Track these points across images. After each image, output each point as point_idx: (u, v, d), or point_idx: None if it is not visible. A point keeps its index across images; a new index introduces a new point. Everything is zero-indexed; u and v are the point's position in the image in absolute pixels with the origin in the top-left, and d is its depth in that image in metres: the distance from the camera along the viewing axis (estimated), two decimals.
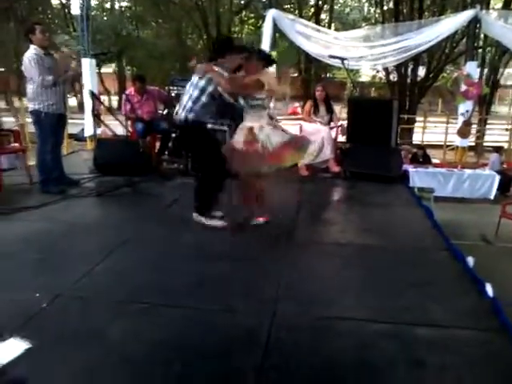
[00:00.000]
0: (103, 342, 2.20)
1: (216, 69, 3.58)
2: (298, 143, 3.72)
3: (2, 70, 15.50)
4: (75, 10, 8.54)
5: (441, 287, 2.87)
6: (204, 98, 3.62)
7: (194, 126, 3.66)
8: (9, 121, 7.83)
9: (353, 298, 2.73)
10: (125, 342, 2.22)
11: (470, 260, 3.18)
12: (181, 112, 3.67)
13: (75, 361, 2.05)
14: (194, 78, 3.66)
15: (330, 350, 2.20)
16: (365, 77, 20.48)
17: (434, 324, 2.42)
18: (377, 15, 17.70)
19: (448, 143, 10.20)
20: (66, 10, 17.08)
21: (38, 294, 2.61)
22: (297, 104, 19.46)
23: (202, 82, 3.60)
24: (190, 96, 3.65)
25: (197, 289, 2.79)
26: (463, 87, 8.04)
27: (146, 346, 2.18)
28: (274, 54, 3.52)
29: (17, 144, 5.41)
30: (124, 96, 6.52)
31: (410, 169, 7.45)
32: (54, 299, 2.58)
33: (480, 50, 12.54)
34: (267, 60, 3.69)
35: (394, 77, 14.68)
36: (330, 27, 15.74)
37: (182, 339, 2.25)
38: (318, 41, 8.40)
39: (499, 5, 14.84)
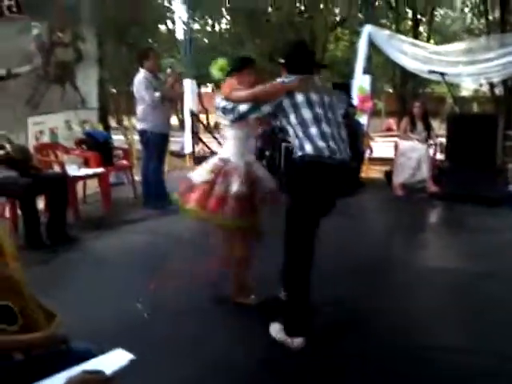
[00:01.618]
0: (201, 352, 2.30)
1: None
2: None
3: (114, 91, 16.92)
4: (180, 34, 9.13)
5: None
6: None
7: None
8: (118, 139, 8.51)
9: (453, 327, 2.60)
10: (224, 353, 2.30)
11: None
12: (335, 147, 2.33)
13: (177, 371, 2.16)
14: (323, 96, 2.42)
15: (428, 380, 2.11)
16: (466, 91, 19.42)
17: None
18: (481, 26, 16.75)
19: None
20: (172, 35, 18.27)
21: (140, 305, 2.74)
22: (391, 120, 18.96)
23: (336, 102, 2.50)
24: (337, 124, 2.42)
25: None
26: None
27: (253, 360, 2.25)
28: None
29: (125, 161, 5.86)
30: None
31: None
32: (155, 310, 2.69)
33: None
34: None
35: (499, 91, 13.74)
36: (428, 41, 15.19)
37: None
38: (416, 56, 8.14)
39: None
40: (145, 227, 4.44)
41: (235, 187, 2.58)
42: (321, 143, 2.29)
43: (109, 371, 1.14)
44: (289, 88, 2.37)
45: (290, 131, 2.39)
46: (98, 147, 5.47)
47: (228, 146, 2.73)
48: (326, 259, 3.59)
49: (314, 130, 2.31)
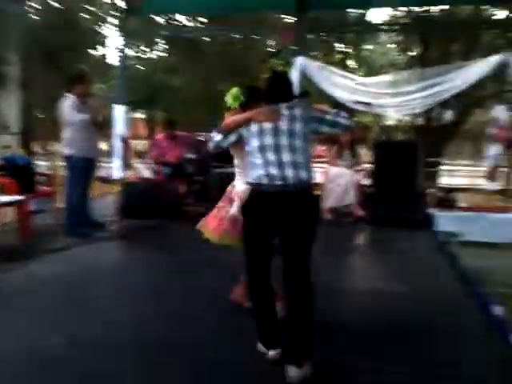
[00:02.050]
0: None
1: None
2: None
3: (43, 116, 16.28)
4: (113, 59, 9.00)
5: (468, 336, 2.77)
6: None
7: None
8: (44, 164, 8.15)
9: (378, 347, 2.62)
10: None
11: (499, 309, 3.05)
12: (277, 174, 2.34)
13: None
14: (282, 124, 2.42)
15: None
16: (390, 120, 20.49)
17: (464, 376, 2.32)
18: (404, 61, 17.90)
19: (476, 186, 9.98)
20: (104, 60, 17.97)
21: (57, 338, 2.58)
22: (322, 148, 19.57)
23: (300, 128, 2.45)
24: (292, 150, 2.39)
25: (217, 340, 2.70)
26: (492, 130, 7.96)
27: None
28: None
29: (49, 187, 5.61)
30: (152, 141, 6.75)
31: (437, 213, 7.29)
32: (71, 344, 2.55)
33: (510, 94, 12.44)
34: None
35: (420, 120, 14.64)
36: (356, 73, 15.98)
37: None
38: (345, 86, 8.51)
39: None
40: (66, 256, 4.22)
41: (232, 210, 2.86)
42: (261, 171, 2.36)
43: None
44: (247, 118, 2.46)
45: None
46: (17, 172, 5.18)
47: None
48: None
49: (258, 159, 2.39)
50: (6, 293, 3.34)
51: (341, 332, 2.81)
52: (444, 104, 12.88)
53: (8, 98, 6.27)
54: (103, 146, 6.48)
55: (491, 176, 7.96)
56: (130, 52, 16.50)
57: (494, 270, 5.88)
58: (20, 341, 2.59)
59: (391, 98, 8.53)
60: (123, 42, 9.73)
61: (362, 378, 2.30)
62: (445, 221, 7.25)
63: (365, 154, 8.43)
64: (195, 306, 3.16)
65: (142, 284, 3.54)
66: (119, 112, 8.27)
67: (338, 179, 6.06)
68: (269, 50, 17.76)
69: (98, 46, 16.61)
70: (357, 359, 2.46)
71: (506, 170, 10.68)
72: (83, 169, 4.90)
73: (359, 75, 13.73)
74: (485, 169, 8.20)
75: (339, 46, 17.33)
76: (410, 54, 16.11)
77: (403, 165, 5.90)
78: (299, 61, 8.40)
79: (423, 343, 2.66)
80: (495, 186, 8.24)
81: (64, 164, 5.09)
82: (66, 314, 2.99)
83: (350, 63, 18.62)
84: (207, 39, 15.39)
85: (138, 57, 18.77)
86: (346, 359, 2.47)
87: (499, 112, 7.96)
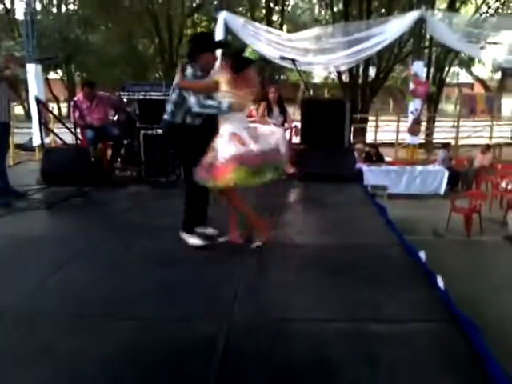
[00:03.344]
0: (53, 359, 2.10)
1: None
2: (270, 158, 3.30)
3: None
4: (19, 14, 8.24)
5: (394, 282, 2.93)
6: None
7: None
8: None
9: (310, 298, 2.73)
10: (76, 358, 2.12)
11: (422, 254, 3.27)
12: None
13: (24, 380, 1.96)
14: None
15: (289, 352, 2.19)
16: (318, 78, 20.79)
17: (388, 319, 2.46)
18: (327, 17, 18.01)
19: (399, 141, 10.48)
20: (10, 15, 16.49)
21: None
22: (252, 106, 19.52)
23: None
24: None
25: (152, 297, 2.73)
26: (411, 86, 8.29)
27: (98, 361, 2.10)
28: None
29: None
30: (72, 102, 6.33)
31: (364, 167, 7.60)
32: (1, 316, 2.46)
33: (426, 50, 12.97)
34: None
35: (345, 77, 14.95)
36: (281, 29, 15.87)
37: (137, 352, 2.19)
38: (270, 42, 8.44)
39: (444, 5, 15.42)
40: None
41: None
42: None
43: None
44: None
45: None
46: None
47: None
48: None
49: None
50: None
51: (277, 282, 2.91)
52: (367, 61, 13.25)
53: None
54: (18, 109, 5.97)
55: (413, 131, 8.37)
56: (38, 6, 15.24)
57: (415, 220, 6.31)
58: None
59: (317, 54, 8.61)
60: None
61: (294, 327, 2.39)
62: (372, 175, 7.61)
63: (293, 112, 8.51)
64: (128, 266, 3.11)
65: (74, 251, 3.39)
66: (32, 72, 7.68)
67: (267, 137, 6.05)
68: (191, 5, 17.12)
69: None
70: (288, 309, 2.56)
71: (425, 124, 11.31)
72: None
73: (284, 32, 13.68)
74: (407, 124, 8.59)
75: (263, 2, 17.07)
76: (334, 9, 16.21)
77: (331, 122, 6.01)
78: (223, 16, 8.18)
79: (353, 288, 2.81)
80: (416, 140, 8.70)
81: None
82: None
83: (275, 19, 18.45)
84: None
85: (47, 10, 17.37)
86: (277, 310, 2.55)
87: (418, 68, 8.30)
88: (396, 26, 8.18)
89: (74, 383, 1.97)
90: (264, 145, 3.26)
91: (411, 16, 8.11)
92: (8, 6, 16.86)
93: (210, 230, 3.65)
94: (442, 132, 13.69)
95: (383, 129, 11.91)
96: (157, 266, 3.20)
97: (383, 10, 15.05)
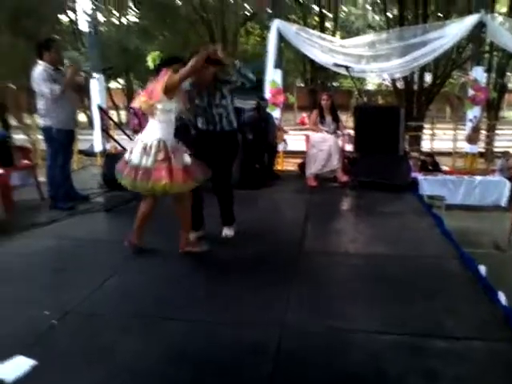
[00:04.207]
0: (112, 358, 2.20)
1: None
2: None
3: (14, 87, 15.71)
4: (83, 26, 8.69)
5: (452, 296, 2.85)
6: None
7: None
8: (20, 138, 7.93)
9: (363, 308, 2.71)
10: (133, 358, 2.21)
11: (482, 268, 3.15)
12: None
13: (83, 379, 2.06)
14: None
15: (341, 362, 2.18)
16: (371, 85, 20.49)
17: (447, 334, 2.39)
18: (381, 23, 17.73)
19: (457, 150, 10.12)
20: (75, 27, 17.33)
21: (47, 312, 2.61)
22: (304, 114, 19.47)
23: None
24: None
25: (206, 301, 2.80)
26: (470, 93, 8.00)
27: (155, 362, 2.18)
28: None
29: (27, 161, 5.46)
30: (131, 110, 6.57)
31: (420, 176, 7.39)
32: (63, 316, 2.59)
33: (487, 55, 12.48)
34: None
35: (400, 84, 14.64)
36: (334, 36, 15.80)
37: (189, 354, 2.25)
38: (324, 48, 8.41)
39: (504, 9, 14.80)
40: (50, 231, 4.16)
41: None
42: None
43: (10, 378, 1.04)
44: None
45: None
46: None
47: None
48: (241, 248, 3.65)
49: None
50: None
51: (329, 290, 2.90)
52: (423, 67, 12.91)
53: None
54: (81, 117, 6.28)
55: (472, 139, 8.07)
56: (100, 17, 15.93)
57: (474, 232, 6.07)
58: (16, 313, 2.61)
59: (371, 61, 8.50)
60: (92, 6, 9.37)
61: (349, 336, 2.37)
62: (428, 184, 7.39)
63: (346, 119, 8.44)
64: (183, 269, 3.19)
65: (131, 253, 3.52)
66: (95, 81, 8.05)
67: (320, 145, 6.05)
68: (245, 13, 17.35)
69: (67, 11, 15.96)
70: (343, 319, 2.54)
71: (485, 132, 10.86)
72: (62, 141, 4.76)
73: (337, 38, 13.59)
74: (465, 132, 8.29)
75: (316, 9, 17.04)
76: (388, 14, 15.93)
77: (385, 129, 5.90)
78: (276, 24, 8.25)
79: (408, 300, 2.75)
80: (475, 148, 8.37)
81: (42, 137, 4.95)
82: (58, 287, 3.00)
83: (328, 26, 18.38)
84: (180, 2, 14.93)
85: (110, 22, 18.13)
86: (334, 319, 2.53)
87: (478, 73, 8.01)
88: (454, 30, 7.93)
89: (131, 382, 2.05)
90: (178, 161, 3.20)
91: (470, 20, 7.84)
92: (72, 17, 17.70)
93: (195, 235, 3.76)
94: (504, 140, 13.08)
95: (440, 137, 11.53)
96: (210, 270, 3.29)
97: (440, 14, 14.63)
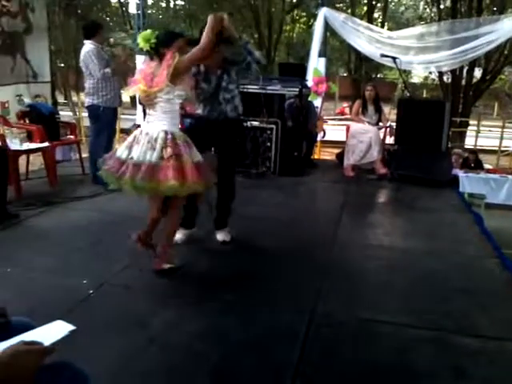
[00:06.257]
0: (142, 331, 2.26)
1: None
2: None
3: (62, 65, 16.19)
4: (132, 8, 8.81)
5: (487, 296, 2.78)
6: None
7: None
8: (66, 114, 8.18)
9: (395, 301, 2.69)
10: (164, 333, 2.27)
11: None
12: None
13: (116, 347, 2.13)
14: None
15: (369, 353, 2.18)
16: (417, 78, 19.93)
17: (479, 333, 2.34)
18: (432, 14, 17.16)
19: (503, 148, 9.77)
20: (124, 9, 17.61)
21: (85, 281, 2.72)
22: (345, 104, 19.21)
23: None
24: None
25: (239, 283, 2.85)
26: None
27: (186, 336, 2.23)
28: None
29: (72, 136, 5.63)
30: None
31: (461, 174, 7.18)
32: (100, 286, 2.69)
33: None
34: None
35: (447, 78, 14.17)
36: (383, 26, 15.41)
37: (223, 333, 2.29)
38: (371, 39, 8.24)
39: None
40: (92, 204, 4.30)
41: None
42: None
43: (48, 342, 1.09)
44: None
45: None
46: (42, 121, 5.20)
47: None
48: (276, 235, 3.67)
49: None
50: (35, 238, 3.45)
51: (362, 282, 2.91)
52: (473, 61, 12.46)
53: (36, 46, 6.17)
54: (124, 97, 6.42)
55: None
56: (149, 1, 16.13)
57: None
58: (55, 281, 2.73)
59: (419, 52, 8.26)
60: None
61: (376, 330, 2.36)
62: (469, 182, 7.18)
63: (388, 111, 8.27)
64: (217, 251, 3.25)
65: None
66: (140, 62, 8.18)
67: (360, 135, 5.97)
68: (292, 1, 17.16)
69: None
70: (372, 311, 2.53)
71: None
72: (108, 118, 4.88)
73: (386, 29, 13.27)
74: None
75: None
76: (440, 6, 15.38)
77: (429, 123, 5.75)
78: (323, 12, 8.13)
79: (443, 296, 2.70)
80: None
81: (87, 114, 5.09)
82: (94, 258, 3.10)
83: (376, 16, 17.94)
84: None
85: (158, 5, 18.32)
86: (362, 311, 2.53)
87: None
88: (508, 25, 7.61)
89: (162, 354, 2.10)
90: (190, 158, 2.72)
91: None
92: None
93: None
94: None
95: (485, 134, 11.14)
96: (247, 254, 3.32)
97: (495, 9, 14.04)
